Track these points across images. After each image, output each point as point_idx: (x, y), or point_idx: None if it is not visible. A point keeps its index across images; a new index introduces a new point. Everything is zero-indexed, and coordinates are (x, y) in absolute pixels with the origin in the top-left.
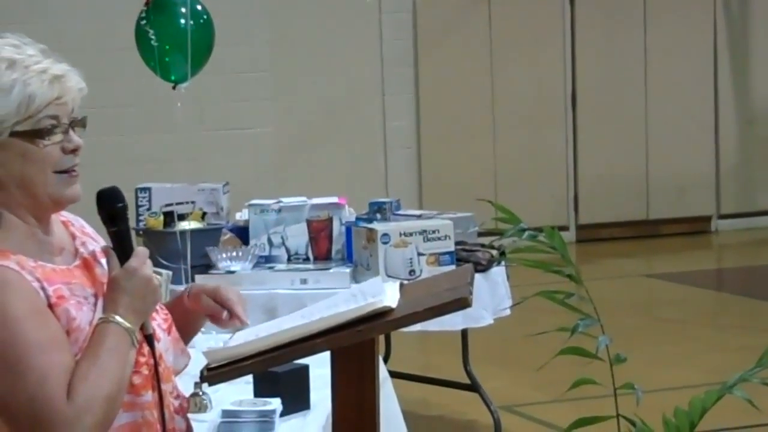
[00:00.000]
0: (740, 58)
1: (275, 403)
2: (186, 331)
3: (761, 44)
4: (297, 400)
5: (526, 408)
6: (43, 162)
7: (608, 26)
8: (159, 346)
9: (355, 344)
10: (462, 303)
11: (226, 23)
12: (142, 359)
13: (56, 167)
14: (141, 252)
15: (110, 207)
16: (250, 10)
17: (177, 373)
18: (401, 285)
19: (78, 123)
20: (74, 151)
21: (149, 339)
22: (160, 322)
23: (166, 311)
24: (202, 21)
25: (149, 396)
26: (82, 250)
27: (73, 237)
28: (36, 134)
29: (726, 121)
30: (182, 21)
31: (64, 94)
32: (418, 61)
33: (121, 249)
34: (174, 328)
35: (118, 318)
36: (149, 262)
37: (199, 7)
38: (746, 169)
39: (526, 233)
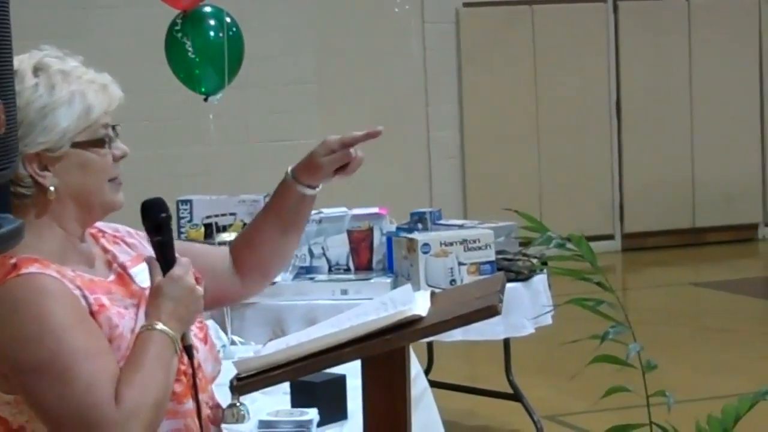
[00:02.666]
0: None
1: (312, 414)
2: (294, 221)
3: None
4: (334, 410)
5: (569, 417)
6: (102, 171)
7: (652, 33)
8: (197, 356)
9: (385, 353)
10: (491, 311)
11: (271, 35)
12: (182, 367)
13: (110, 175)
14: (185, 262)
15: (154, 217)
16: (295, 22)
17: (215, 380)
18: (432, 293)
19: (117, 131)
20: (121, 159)
21: (188, 349)
22: (195, 331)
23: (201, 320)
24: (231, 33)
25: (190, 404)
26: (114, 264)
27: (105, 250)
28: (96, 144)
29: None
30: (213, 33)
31: (112, 102)
32: (462, 71)
33: (164, 259)
34: (210, 338)
35: (161, 325)
36: (192, 272)
37: (228, 20)
38: None
39: (554, 242)
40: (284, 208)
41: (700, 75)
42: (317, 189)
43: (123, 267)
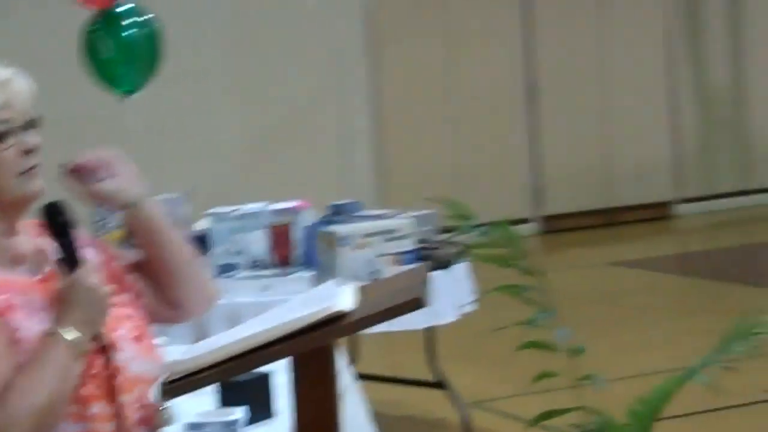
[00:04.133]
0: (694, 42)
1: (239, 413)
2: (147, 241)
3: (714, 26)
4: (261, 408)
5: (495, 403)
6: (2, 167)
7: (563, 16)
8: (122, 356)
9: (313, 350)
10: (416, 303)
11: (182, 29)
12: (93, 370)
13: (17, 170)
14: (89, 264)
15: (54, 221)
16: (206, 15)
17: (153, 381)
18: (359, 287)
19: (32, 124)
20: (31, 151)
21: (105, 350)
22: (127, 330)
23: (141, 319)
24: (148, 31)
25: (100, 408)
26: (47, 262)
27: (39, 251)
28: None
29: (683, 106)
30: (130, 31)
31: (12, 97)
32: (374, 58)
33: (70, 261)
34: (147, 335)
35: (61, 330)
36: (97, 273)
37: (144, 18)
38: (705, 153)
39: (479, 229)
40: (134, 236)
41: (612, 55)
42: (127, 208)
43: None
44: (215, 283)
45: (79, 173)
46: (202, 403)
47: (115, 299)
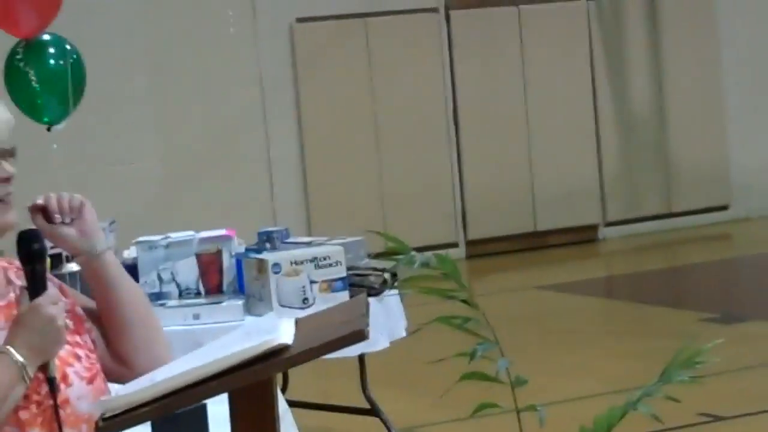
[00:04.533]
0: (616, 68)
1: None
2: (102, 290)
3: (636, 52)
4: None
5: (428, 429)
6: None
7: (485, 41)
8: (68, 392)
9: (252, 384)
10: (358, 336)
11: (106, 58)
12: (36, 397)
13: None
14: (51, 293)
15: (27, 248)
16: (130, 44)
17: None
18: (296, 320)
19: (7, 153)
20: (6, 180)
21: (51, 382)
22: (80, 368)
23: (95, 360)
24: (72, 60)
25: None
26: (11, 294)
27: (8, 281)
28: None
29: (606, 130)
30: (54, 61)
31: None
32: (298, 85)
33: (34, 288)
34: (100, 379)
35: (10, 350)
36: (60, 304)
37: (68, 47)
38: (629, 176)
39: (418, 261)
40: (90, 285)
41: (534, 80)
42: (84, 256)
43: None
44: (167, 344)
45: (45, 213)
46: None
47: (72, 338)
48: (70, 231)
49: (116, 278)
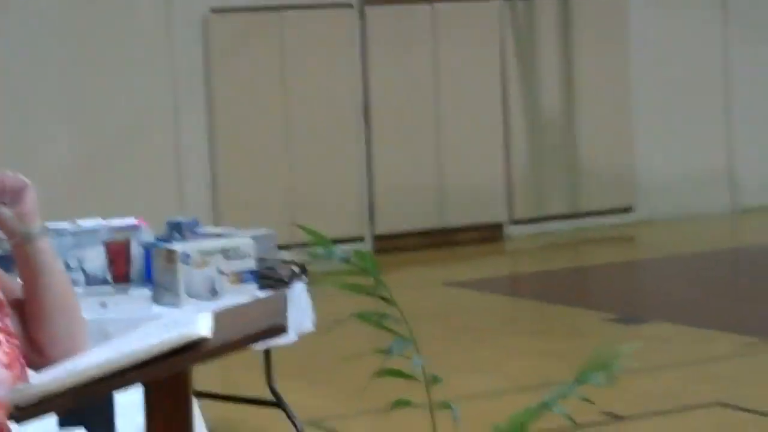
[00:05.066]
0: (528, 68)
1: None
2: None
3: (547, 54)
4: (102, 429)
5: (334, 422)
6: None
7: (399, 38)
8: None
9: (169, 376)
10: (278, 330)
11: (13, 46)
12: None
13: None
14: None
15: None
16: (38, 30)
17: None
18: (215, 313)
19: None
20: None
21: None
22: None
23: (15, 346)
24: None
25: None
26: None
27: None
28: None
29: (515, 130)
30: None
31: None
32: (211, 76)
33: None
34: (19, 364)
35: None
36: None
37: None
38: (536, 177)
39: (338, 256)
40: (19, 269)
41: (446, 78)
42: (17, 238)
43: None
44: (86, 340)
45: None
46: (41, 423)
47: None
48: (7, 212)
49: (47, 265)
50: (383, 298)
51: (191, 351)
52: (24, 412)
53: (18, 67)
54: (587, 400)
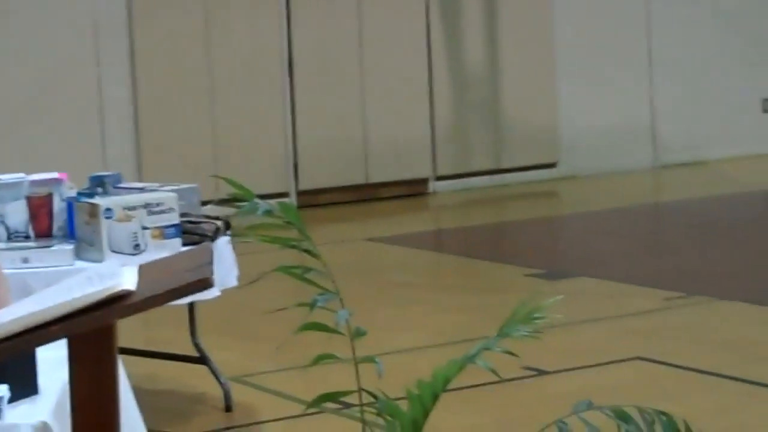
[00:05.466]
0: (453, 24)
1: (2, 390)
2: None
3: (471, 9)
4: (24, 385)
5: (258, 378)
6: None
7: None
8: None
9: (93, 330)
10: (205, 283)
11: None
12: None
13: None
14: None
15: None
16: None
17: None
18: (140, 267)
19: None
20: None
21: None
22: None
23: None
24: None
25: None
26: None
27: None
28: None
29: (440, 86)
30: None
31: None
32: (132, 28)
33: None
34: None
35: None
36: None
37: None
38: (460, 132)
39: (261, 209)
40: None
41: (370, 34)
42: None
43: None
44: (6, 293)
45: None
46: None
47: None
48: None
49: None
50: (307, 251)
51: (115, 304)
52: None
53: None
54: (510, 353)
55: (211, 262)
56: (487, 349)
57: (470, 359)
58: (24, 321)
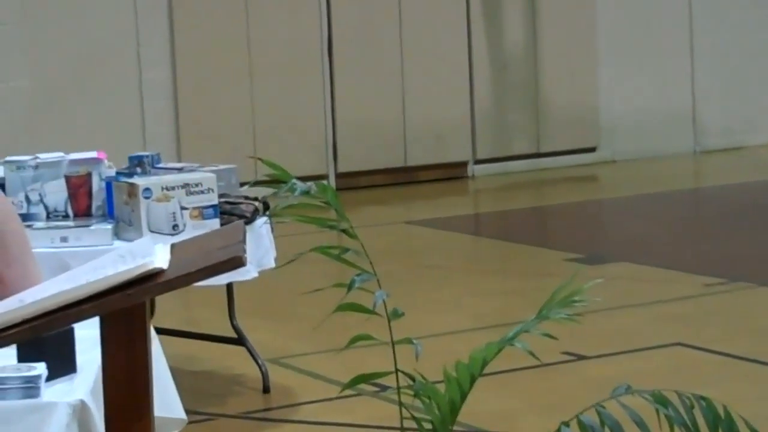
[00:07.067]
0: (493, 5)
1: (40, 368)
2: None
3: None
4: (62, 363)
5: (296, 359)
6: None
7: None
8: None
9: (125, 308)
10: (236, 262)
11: None
12: None
13: None
14: None
15: None
16: None
17: None
18: (172, 245)
19: None
20: None
21: None
22: None
23: None
24: None
25: None
26: None
27: None
28: None
29: (480, 68)
30: None
31: None
32: (173, 9)
33: None
34: None
35: None
36: None
37: None
38: (500, 115)
39: (299, 189)
40: None
41: (410, 16)
42: None
43: None
44: (38, 267)
45: None
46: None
47: None
48: None
49: None
50: (345, 232)
51: (147, 282)
52: None
53: None
54: (549, 336)
55: (243, 241)
56: (525, 331)
57: (508, 341)
58: (56, 299)
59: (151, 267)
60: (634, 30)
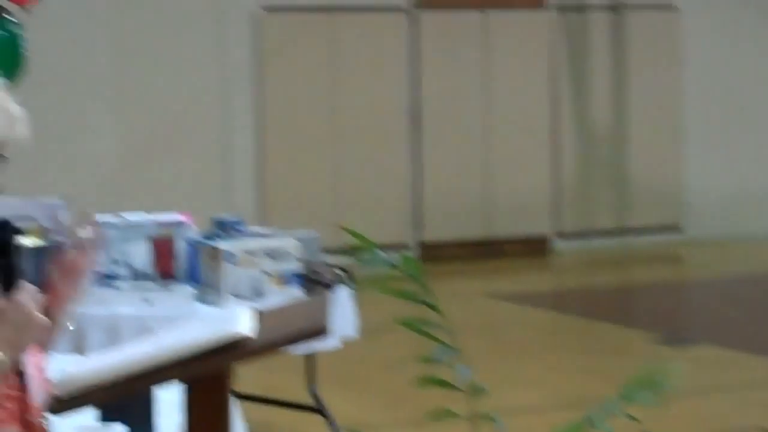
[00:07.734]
0: (578, 80)
1: (120, 430)
2: None
3: (598, 67)
4: (142, 425)
5: (373, 430)
6: None
7: (450, 44)
8: (31, 384)
9: (209, 374)
10: (319, 331)
11: (63, 31)
12: (11, 392)
13: None
14: (29, 288)
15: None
16: (87, 22)
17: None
18: (258, 312)
19: None
20: None
21: (22, 375)
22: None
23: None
24: (7, 35)
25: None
26: None
27: None
28: None
29: (565, 142)
30: None
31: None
32: (261, 75)
33: (6, 282)
34: (44, 371)
35: None
36: (36, 299)
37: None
38: (584, 190)
39: (382, 261)
40: None
41: (496, 87)
42: None
43: None
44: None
45: None
46: (80, 417)
47: None
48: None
49: None
50: (428, 305)
51: (232, 349)
52: (64, 404)
53: (67, 59)
54: (633, 418)
55: (326, 312)
56: (608, 412)
57: (591, 421)
58: (141, 363)
59: (236, 334)
60: (721, 107)
